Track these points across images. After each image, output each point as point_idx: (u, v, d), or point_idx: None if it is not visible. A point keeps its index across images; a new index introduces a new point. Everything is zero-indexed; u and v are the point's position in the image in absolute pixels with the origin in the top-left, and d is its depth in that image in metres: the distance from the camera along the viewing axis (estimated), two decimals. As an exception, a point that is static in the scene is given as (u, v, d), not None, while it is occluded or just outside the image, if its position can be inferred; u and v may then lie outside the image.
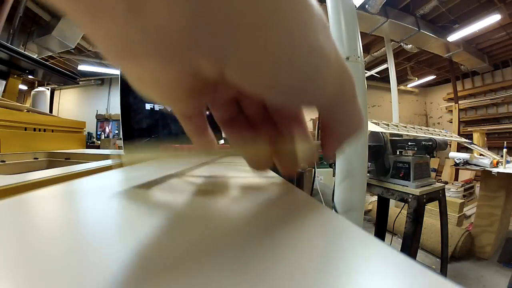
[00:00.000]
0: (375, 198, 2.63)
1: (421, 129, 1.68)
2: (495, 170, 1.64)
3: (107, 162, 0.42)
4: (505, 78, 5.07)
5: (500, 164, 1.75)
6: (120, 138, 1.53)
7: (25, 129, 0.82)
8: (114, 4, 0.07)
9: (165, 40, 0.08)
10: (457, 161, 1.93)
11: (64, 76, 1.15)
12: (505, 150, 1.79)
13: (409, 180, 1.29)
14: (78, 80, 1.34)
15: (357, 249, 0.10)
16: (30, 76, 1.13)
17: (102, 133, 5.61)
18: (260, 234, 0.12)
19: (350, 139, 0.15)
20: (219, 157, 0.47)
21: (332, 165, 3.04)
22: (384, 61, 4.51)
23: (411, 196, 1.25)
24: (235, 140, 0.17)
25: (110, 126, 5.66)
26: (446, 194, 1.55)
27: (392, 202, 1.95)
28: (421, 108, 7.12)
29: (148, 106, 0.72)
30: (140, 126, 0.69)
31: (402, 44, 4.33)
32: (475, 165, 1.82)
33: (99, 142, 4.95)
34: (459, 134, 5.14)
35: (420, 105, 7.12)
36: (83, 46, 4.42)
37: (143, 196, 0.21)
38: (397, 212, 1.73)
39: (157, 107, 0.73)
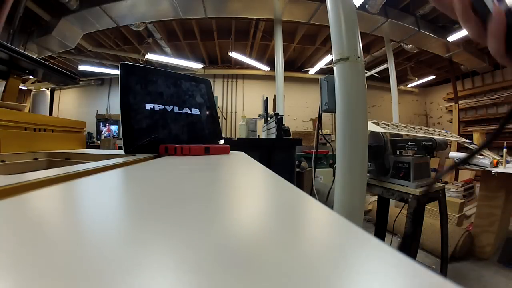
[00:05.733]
0: (375, 198, 2.63)
1: (421, 129, 1.68)
2: (495, 170, 1.63)
3: (107, 162, 0.42)
4: (505, 78, 5.06)
5: (500, 164, 1.75)
6: (120, 138, 1.53)
7: (25, 129, 0.82)
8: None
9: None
10: (457, 161, 1.93)
11: (64, 76, 1.14)
12: (505, 150, 1.79)
13: (409, 180, 1.29)
14: (78, 80, 1.33)
15: (357, 249, 0.10)
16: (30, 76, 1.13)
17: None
18: (260, 233, 0.12)
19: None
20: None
21: (332, 165, 3.04)
22: (384, 61, 4.50)
23: (411, 196, 1.25)
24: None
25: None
26: (446, 194, 1.55)
27: (392, 202, 1.94)
28: (421, 108, 7.11)
29: (148, 106, 0.71)
30: (140, 126, 0.69)
31: (402, 44, 4.32)
32: (475, 165, 1.82)
33: (99, 142, 4.95)
34: (459, 134, 5.14)
35: (420, 105, 7.12)
36: (83, 46, 4.42)
37: (142, 197, 0.21)
38: (397, 212, 1.73)
39: (157, 107, 0.73)
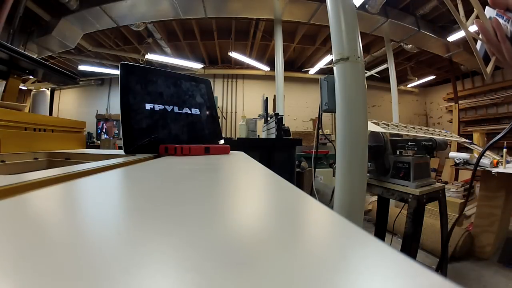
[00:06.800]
0: (375, 198, 2.63)
1: (421, 129, 1.68)
2: (495, 170, 1.63)
3: (107, 162, 0.42)
4: (505, 78, 5.06)
5: (500, 164, 1.75)
6: (120, 138, 1.53)
7: (25, 129, 0.82)
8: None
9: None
10: (457, 161, 1.93)
11: (64, 76, 1.14)
12: (505, 150, 1.79)
13: (409, 180, 1.29)
14: (78, 80, 1.33)
15: (357, 249, 0.10)
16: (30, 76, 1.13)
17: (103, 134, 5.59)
18: (260, 233, 0.12)
19: None
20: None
21: (332, 165, 3.04)
22: (384, 61, 4.50)
23: (411, 196, 1.25)
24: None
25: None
26: (446, 194, 1.55)
27: (392, 202, 1.94)
28: (421, 108, 7.12)
29: (148, 106, 0.71)
30: (140, 126, 0.69)
31: (402, 44, 4.32)
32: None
33: (99, 142, 4.95)
34: (459, 134, 5.14)
35: (420, 105, 7.12)
36: (83, 46, 4.42)
37: (142, 197, 0.21)
38: (397, 212, 1.73)
39: (157, 107, 0.73)
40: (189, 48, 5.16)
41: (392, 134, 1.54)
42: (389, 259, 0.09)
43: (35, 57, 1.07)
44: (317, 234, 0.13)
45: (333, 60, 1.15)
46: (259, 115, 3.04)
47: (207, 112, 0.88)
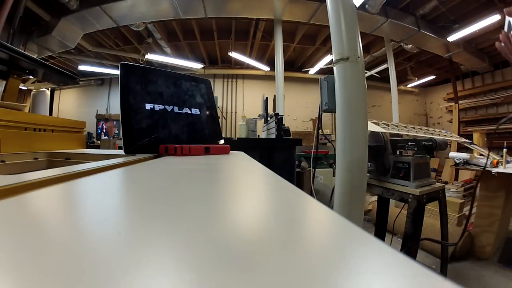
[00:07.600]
0: (375, 198, 2.63)
1: (421, 129, 1.68)
2: (495, 170, 1.63)
3: (107, 162, 0.42)
4: (505, 78, 5.06)
5: (500, 164, 1.75)
6: (120, 138, 1.53)
7: (25, 129, 0.82)
8: None
9: None
10: (457, 161, 1.93)
11: (64, 76, 1.14)
12: (505, 150, 1.79)
13: (409, 180, 1.29)
14: (78, 80, 1.33)
15: (357, 249, 0.10)
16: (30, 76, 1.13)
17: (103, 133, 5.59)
18: (260, 233, 0.12)
19: None
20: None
21: (332, 165, 3.04)
22: (384, 61, 4.50)
23: (411, 196, 1.25)
24: None
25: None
26: (446, 194, 1.55)
27: (392, 202, 1.94)
28: (421, 108, 7.11)
29: (148, 106, 0.71)
30: (140, 126, 0.69)
31: (402, 44, 4.32)
32: (475, 165, 1.82)
33: (99, 142, 4.94)
34: (459, 134, 5.14)
35: (420, 105, 7.12)
36: (83, 46, 4.41)
37: (142, 197, 0.21)
38: (397, 212, 1.73)
39: (157, 107, 0.73)
40: (189, 48, 5.16)
41: (392, 134, 1.54)
42: (389, 259, 0.09)
43: (35, 57, 1.07)
44: (317, 234, 0.13)
45: (333, 60, 1.15)
46: (259, 115, 3.04)
47: (207, 112, 0.88)
